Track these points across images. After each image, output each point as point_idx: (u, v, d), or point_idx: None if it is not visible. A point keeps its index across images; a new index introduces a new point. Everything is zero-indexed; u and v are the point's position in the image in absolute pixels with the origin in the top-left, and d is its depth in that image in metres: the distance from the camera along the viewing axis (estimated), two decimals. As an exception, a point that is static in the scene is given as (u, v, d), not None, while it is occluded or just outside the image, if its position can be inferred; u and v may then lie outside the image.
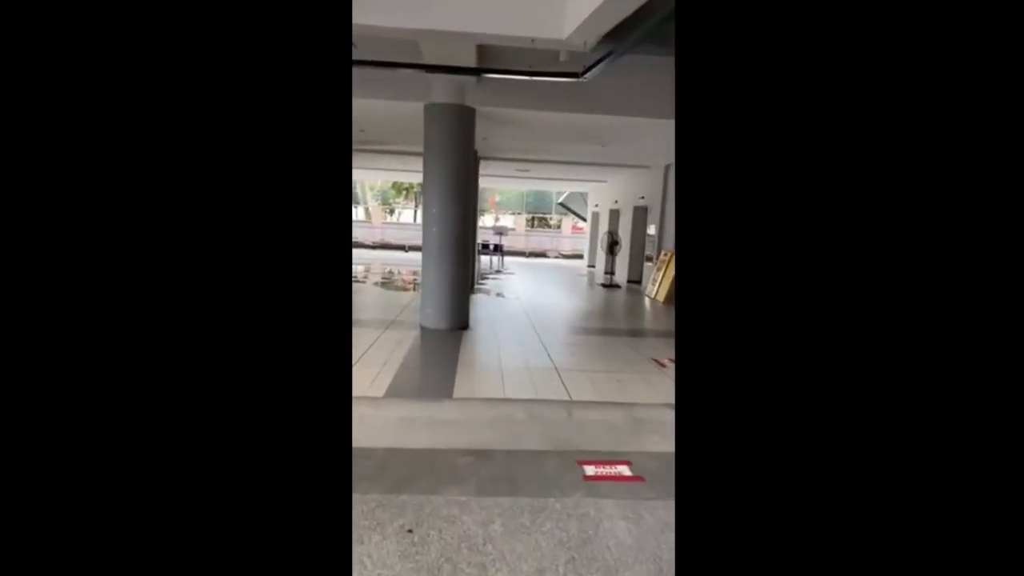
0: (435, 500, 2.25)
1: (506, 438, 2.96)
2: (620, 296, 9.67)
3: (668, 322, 7.25)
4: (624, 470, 2.62)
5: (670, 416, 3.41)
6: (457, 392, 3.79)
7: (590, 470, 2.60)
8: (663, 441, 3.01)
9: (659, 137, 6.91)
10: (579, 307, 8.44)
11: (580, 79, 4.54)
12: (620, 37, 3.94)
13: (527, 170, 11.47)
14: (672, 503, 2.31)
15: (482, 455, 2.71)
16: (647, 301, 9.04)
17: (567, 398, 3.73)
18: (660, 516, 2.20)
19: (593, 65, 4.32)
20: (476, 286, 9.47)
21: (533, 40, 3.89)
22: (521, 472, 2.55)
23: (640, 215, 11.20)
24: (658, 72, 5.37)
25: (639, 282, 11.18)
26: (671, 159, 9.09)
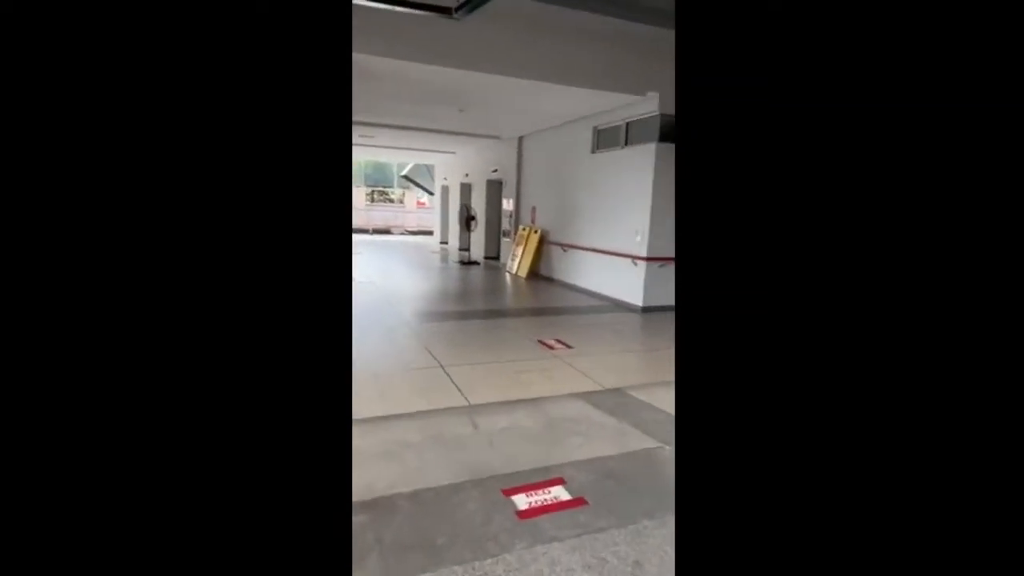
0: (327, 608, 1.50)
1: (405, 473, 2.27)
2: (481, 273, 9.29)
3: (538, 298, 7.08)
4: (561, 493, 2.16)
5: (583, 409, 3.07)
6: (323, 414, 2.93)
7: (522, 502, 2.09)
8: (587, 443, 2.63)
9: (524, 103, 6.52)
10: (443, 288, 7.81)
11: (452, 17, 3.82)
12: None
13: (371, 136, 10.21)
14: (629, 529, 1.92)
15: (380, 507, 2.00)
16: (509, 277, 8.81)
17: (465, 403, 3.14)
18: (623, 552, 1.79)
19: (468, 1, 3.63)
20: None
21: (395, -41, 3.05)
22: (438, 525, 1.91)
23: (495, 189, 10.88)
24: (541, 25, 4.90)
25: (497, 258, 10.93)
26: (525, 130, 8.85)
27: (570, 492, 2.16)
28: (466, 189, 12.58)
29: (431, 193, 17.75)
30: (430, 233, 17.86)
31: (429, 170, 17.01)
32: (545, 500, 2.10)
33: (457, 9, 3.79)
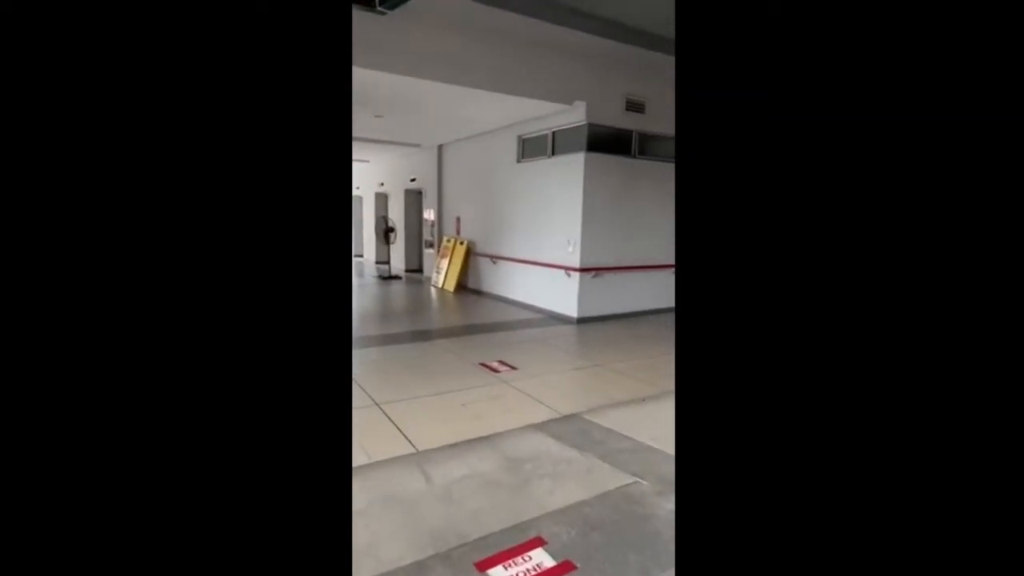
0: None
1: (355, 554, 1.86)
2: (404, 288, 8.76)
3: (470, 314, 6.75)
4: (542, 558, 1.87)
5: (543, 443, 2.82)
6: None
7: (501, 576, 1.77)
8: (557, 487, 2.38)
9: (447, 109, 6.19)
10: (364, 307, 7.21)
11: (375, 10, 3.41)
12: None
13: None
14: (629, 597, 1.68)
15: (326, 614, 1.58)
16: (435, 292, 8.40)
17: (411, 449, 2.75)
18: (630, 630, 1.55)
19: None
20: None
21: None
22: (406, 627, 1.54)
23: (414, 199, 10.39)
24: (469, 28, 4.60)
25: (420, 271, 10.43)
26: (446, 139, 8.52)
27: (553, 555, 1.88)
28: (382, 199, 11.93)
29: (342, 203, 16.71)
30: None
31: (339, 179, 15.99)
32: (527, 570, 1.80)
33: (382, 2, 3.40)
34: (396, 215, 10.79)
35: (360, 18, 3.74)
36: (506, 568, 1.81)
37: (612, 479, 2.45)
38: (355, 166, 13.06)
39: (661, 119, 6.30)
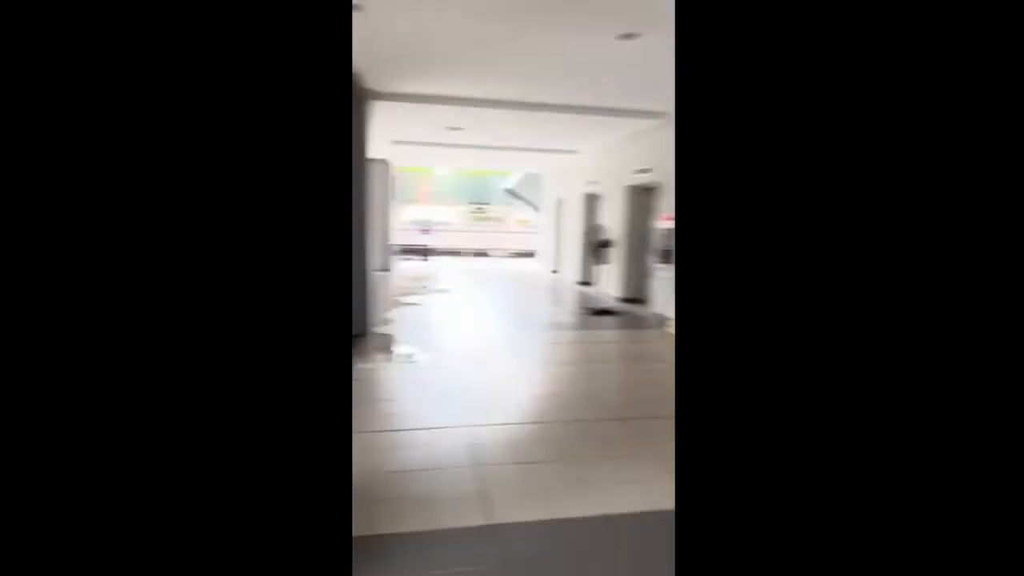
0: None
1: None
2: (628, 339, 5.72)
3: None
4: None
5: None
6: None
7: None
8: None
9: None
10: (594, 386, 4.34)
11: None
12: None
13: (458, 127, 7.21)
14: None
15: None
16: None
17: None
18: None
19: None
20: (374, 330, 5.16)
21: None
22: None
23: (640, 199, 7.31)
24: None
25: (641, 301, 7.28)
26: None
27: None
28: (591, 202, 9.11)
29: (536, 209, 14.58)
30: (530, 255, 14.78)
31: (537, 181, 13.86)
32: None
33: None
34: (613, 221, 7.85)
35: None
36: None
37: None
38: (556, 161, 10.54)
39: None
